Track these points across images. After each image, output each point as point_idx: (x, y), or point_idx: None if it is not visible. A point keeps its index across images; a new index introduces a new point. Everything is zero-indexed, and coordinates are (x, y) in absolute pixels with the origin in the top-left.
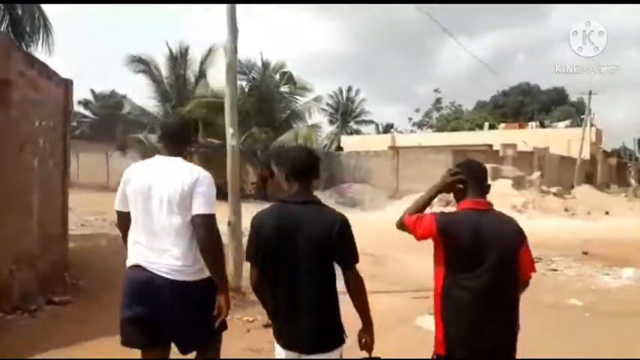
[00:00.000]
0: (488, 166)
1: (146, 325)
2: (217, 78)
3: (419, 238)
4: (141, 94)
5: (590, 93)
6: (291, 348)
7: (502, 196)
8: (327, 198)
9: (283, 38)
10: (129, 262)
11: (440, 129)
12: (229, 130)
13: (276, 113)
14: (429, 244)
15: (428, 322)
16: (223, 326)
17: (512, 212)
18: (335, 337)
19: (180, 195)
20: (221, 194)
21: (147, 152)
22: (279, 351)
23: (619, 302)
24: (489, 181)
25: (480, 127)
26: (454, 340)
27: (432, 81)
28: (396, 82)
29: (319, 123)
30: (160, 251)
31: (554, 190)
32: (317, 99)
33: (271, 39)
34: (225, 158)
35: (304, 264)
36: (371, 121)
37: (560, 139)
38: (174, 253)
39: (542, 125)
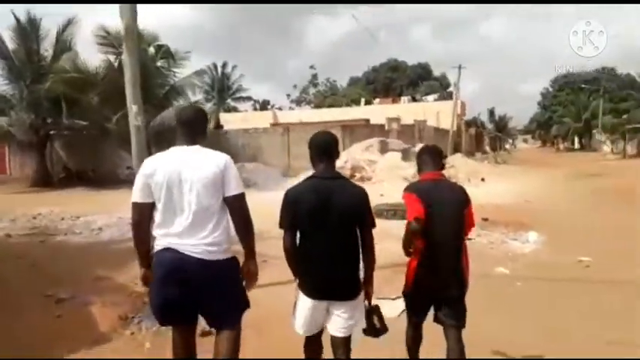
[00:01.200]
0: (377, 140)
1: (179, 304)
2: (82, 52)
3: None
4: None
5: (460, 67)
6: (323, 298)
7: (394, 168)
8: None
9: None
10: (156, 247)
11: (317, 105)
12: (133, 108)
13: (154, 89)
14: None
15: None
16: (246, 305)
17: (405, 183)
18: (359, 286)
19: (212, 180)
20: (85, 181)
21: None
22: (307, 301)
23: (539, 267)
24: (378, 154)
25: (356, 102)
26: (420, 279)
27: (301, 57)
28: (264, 59)
29: (201, 100)
30: (194, 234)
31: None
32: (199, 72)
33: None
34: (93, 142)
35: (338, 229)
36: (249, 98)
37: (431, 111)
38: (208, 235)
39: (414, 99)
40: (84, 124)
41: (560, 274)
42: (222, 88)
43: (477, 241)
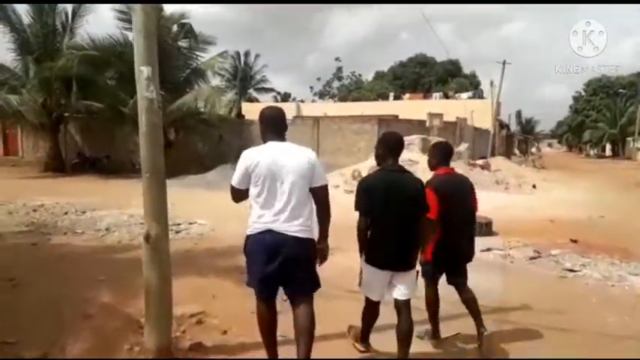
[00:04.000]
0: (418, 137)
1: (277, 278)
2: (99, 28)
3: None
4: None
5: (504, 62)
6: (388, 268)
7: None
8: None
9: None
10: (255, 230)
11: (342, 99)
12: (143, 72)
13: (174, 72)
14: None
15: None
16: (318, 284)
17: None
18: (416, 260)
19: (306, 171)
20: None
21: (4, 117)
22: (373, 270)
23: None
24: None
25: (382, 96)
26: (441, 252)
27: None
28: (285, 53)
29: (221, 84)
30: (292, 217)
31: (480, 162)
32: (222, 55)
33: None
34: (108, 127)
35: (405, 214)
36: (271, 89)
37: (465, 109)
38: (302, 218)
39: (447, 96)
40: (99, 106)
41: None
42: (245, 78)
43: (586, 274)
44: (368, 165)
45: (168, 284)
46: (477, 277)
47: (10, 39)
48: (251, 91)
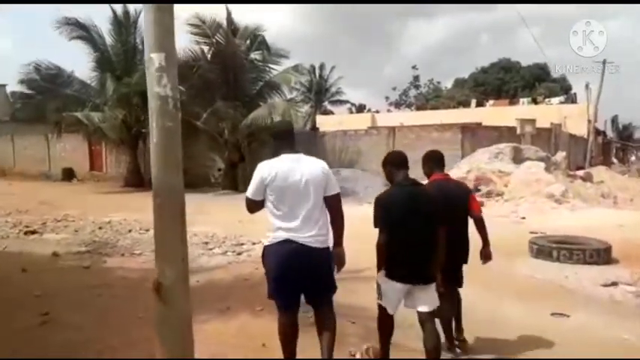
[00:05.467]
0: (508, 145)
1: (297, 287)
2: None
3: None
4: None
5: (604, 62)
6: (408, 282)
7: (533, 182)
8: None
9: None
10: (274, 240)
11: (419, 108)
12: (153, 61)
13: (247, 85)
14: None
15: None
16: (335, 288)
17: (551, 203)
18: (434, 272)
19: (321, 182)
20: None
21: (90, 133)
22: (393, 284)
23: None
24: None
25: (463, 104)
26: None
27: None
28: (360, 65)
29: (297, 97)
30: (310, 226)
31: (580, 173)
32: (296, 68)
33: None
34: (184, 142)
35: (422, 227)
36: (346, 101)
37: (558, 115)
38: (318, 227)
39: (535, 102)
40: None
41: None
42: (320, 90)
43: None
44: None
45: (187, 354)
46: (607, 323)
47: (93, 58)
48: (326, 103)
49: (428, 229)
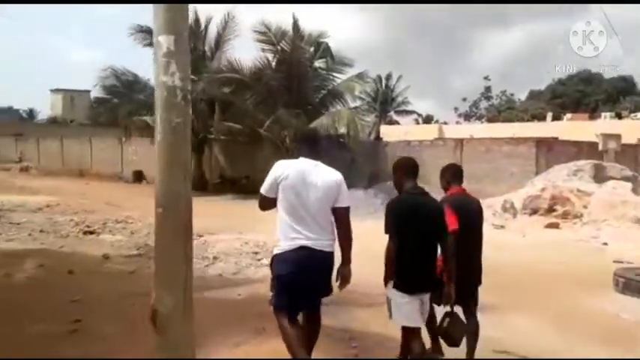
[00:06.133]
0: (589, 162)
1: (307, 292)
2: (238, 49)
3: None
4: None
5: None
6: (417, 292)
7: (618, 205)
8: (371, 197)
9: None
10: (288, 247)
11: (490, 120)
12: (161, 45)
13: (310, 93)
14: None
15: None
16: (332, 290)
17: (638, 228)
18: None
19: (333, 191)
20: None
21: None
22: (407, 297)
23: None
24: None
25: (537, 117)
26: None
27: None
28: (427, 74)
29: (362, 106)
30: (320, 232)
31: None
32: (361, 76)
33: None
34: (248, 149)
35: (431, 236)
36: (412, 112)
37: None
38: (328, 233)
39: (619, 116)
40: (238, 127)
41: None
42: (385, 100)
43: None
44: (522, 194)
45: None
46: None
47: None
48: (391, 113)
49: (434, 239)
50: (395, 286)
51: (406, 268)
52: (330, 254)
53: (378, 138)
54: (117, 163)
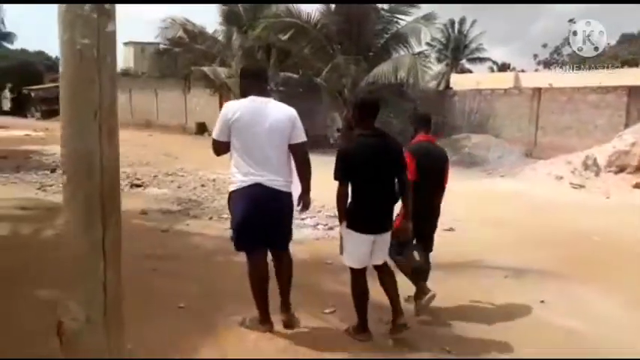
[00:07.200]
0: None
1: (265, 229)
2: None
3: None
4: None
5: None
6: (373, 232)
7: None
8: None
9: None
10: (242, 184)
11: (575, 67)
12: None
13: (371, 38)
14: None
15: None
16: (291, 234)
17: None
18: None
19: (287, 128)
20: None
21: (216, 88)
22: (361, 237)
23: None
24: None
25: (628, 63)
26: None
27: (550, 17)
28: (504, 19)
29: (427, 51)
30: (276, 171)
31: None
32: (428, 17)
33: None
34: (307, 100)
35: (386, 177)
36: (487, 59)
37: None
38: (284, 172)
39: None
40: (295, 77)
41: None
42: (457, 47)
43: None
44: (608, 149)
45: None
46: None
47: (221, 12)
48: (464, 62)
49: (392, 179)
50: (348, 225)
51: (362, 210)
52: (286, 194)
53: (447, 87)
54: (181, 114)
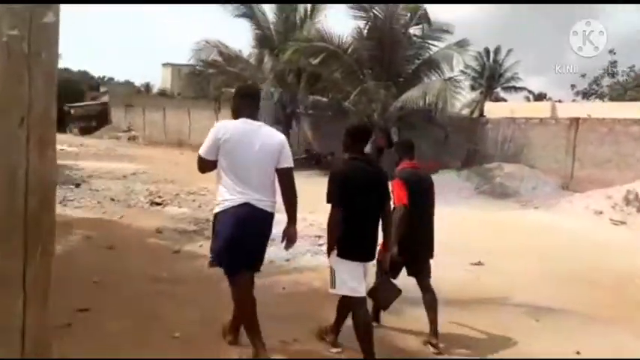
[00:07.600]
0: None
1: (250, 249)
2: (331, 19)
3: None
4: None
5: None
6: (363, 260)
7: None
8: (464, 181)
9: None
10: (232, 203)
11: (614, 99)
12: None
13: (402, 64)
14: None
15: None
16: (262, 258)
17: None
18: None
19: (275, 152)
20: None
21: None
22: (353, 265)
23: None
24: None
25: None
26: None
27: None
28: (541, 49)
29: (458, 77)
30: (262, 192)
31: None
32: (461, 44)
33: None
34: (335, 123)
35: (375, 203)
36: (523, 88)
37: None
38: (269, 194)
39: None
40: (324, 101)
41: None
42: (492, 76)
43: None
44: None
45: None
46: None
47: (254, 35)
48: (499, 90)
49: (378, 207)
50: (341, 254)
51: (354, 238)
52: (271, 215)
53: (481, 115)
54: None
